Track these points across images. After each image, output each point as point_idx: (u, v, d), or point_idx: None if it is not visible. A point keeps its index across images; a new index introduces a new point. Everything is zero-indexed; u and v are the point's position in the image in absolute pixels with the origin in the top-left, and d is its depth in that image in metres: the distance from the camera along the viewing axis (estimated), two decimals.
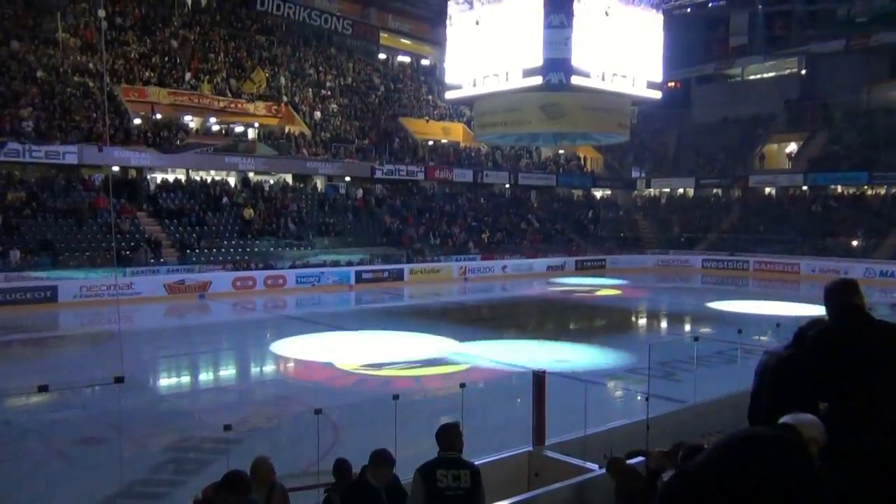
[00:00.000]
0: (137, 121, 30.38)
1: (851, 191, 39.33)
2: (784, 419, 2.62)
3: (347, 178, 35.84)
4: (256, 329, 21.13)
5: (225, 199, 30.61)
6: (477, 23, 25.02)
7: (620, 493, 4.61)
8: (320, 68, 40.66)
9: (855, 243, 34.70)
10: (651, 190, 47.01)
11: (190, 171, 31.36)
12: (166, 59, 33.89)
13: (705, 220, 41.86)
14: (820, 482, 2.47)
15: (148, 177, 30.22)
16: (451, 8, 26.22)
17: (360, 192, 35.41)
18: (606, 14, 23.52)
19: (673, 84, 46.17)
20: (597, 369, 14.36)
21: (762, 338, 16.07)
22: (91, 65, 31.09)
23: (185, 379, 15.39)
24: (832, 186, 39.99)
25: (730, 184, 43.35)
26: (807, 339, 3.51)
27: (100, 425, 10.35)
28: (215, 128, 33.64)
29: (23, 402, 11.96)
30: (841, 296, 3.29)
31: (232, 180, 32.61)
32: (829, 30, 41.07)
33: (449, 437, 4.57)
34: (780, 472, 2.37)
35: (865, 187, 38.50)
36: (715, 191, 44.50)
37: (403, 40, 46.92)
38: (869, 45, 39.17)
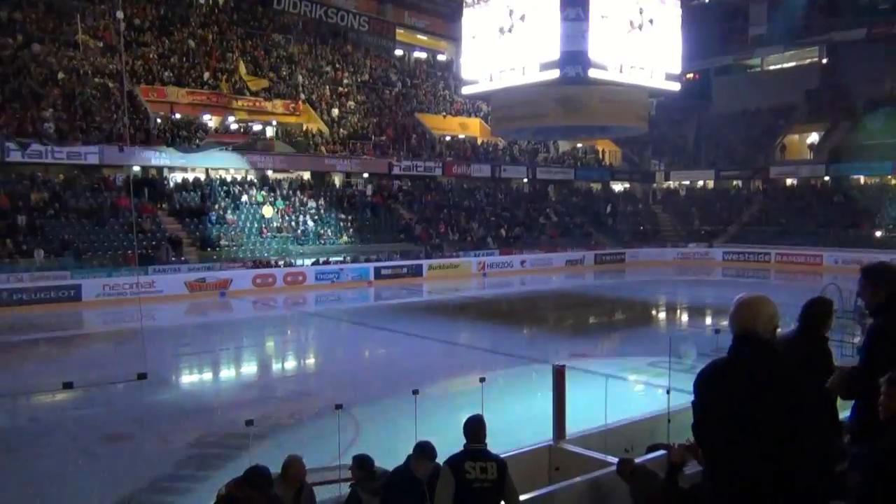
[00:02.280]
0: (157, 120, 30.67)
1: (875, 181, 38.76)
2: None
3: (365, 175, 35.91)
4: (277, 325, 21.31)
5: (244, 197, 30.82)
6: (493, 17, 24.92)
7: (636, 496, 4.53)
8: (337, 66, 40.73)
9: (879, 234, 34.20)
10: (670, 183, 46.61)
11: (209, 169, 31.61)
12: (184, 58, 34.14)
13: (726, 212, 41.45)
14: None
15: (168, 176, 30.50)
16: (467, 3, 26.14)
17: (369, 189, 35.42)
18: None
19: (692, 75, 45.68)
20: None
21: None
22: (111, 66, 31.40)
23: (207, 375, 15.53)
24: (855, 177, 39.45)
25: (750, 175, 42.87)
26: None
27: (124, 421, 10.47)
28: (234, 126, 33.85)
29: (48, 399, 12.13)
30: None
31: (251, 178, 32.82)
32: (851, 18, 40.42)
33: (476, 428, 4.60)
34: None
35: (889, 177, 37.91)
36: (735, 183, 44.05)
37: (419, 36, 46.91)
38: (892, 33, 38.42)
